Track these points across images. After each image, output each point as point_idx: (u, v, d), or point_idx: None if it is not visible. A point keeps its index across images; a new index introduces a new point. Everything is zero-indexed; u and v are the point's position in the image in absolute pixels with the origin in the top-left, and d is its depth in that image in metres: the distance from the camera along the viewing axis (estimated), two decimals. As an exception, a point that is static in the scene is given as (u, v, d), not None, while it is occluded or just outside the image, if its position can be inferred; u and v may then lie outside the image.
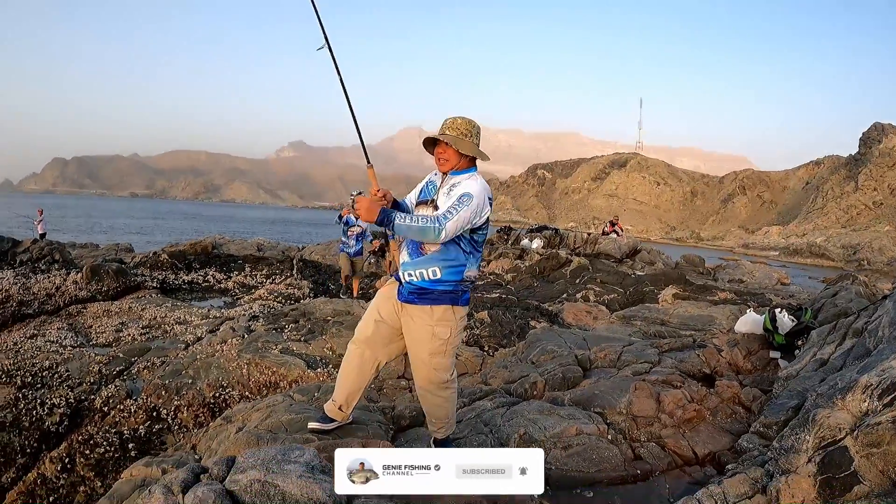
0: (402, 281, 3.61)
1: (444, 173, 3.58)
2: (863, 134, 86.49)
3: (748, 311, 7.96)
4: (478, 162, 3.64)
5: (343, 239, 12.50)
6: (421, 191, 3.73)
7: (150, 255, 18.33)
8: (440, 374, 3.66)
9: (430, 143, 3.59)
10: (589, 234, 26.80)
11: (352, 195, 3.71)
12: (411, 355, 3.73)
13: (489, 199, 3.49)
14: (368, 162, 3.76)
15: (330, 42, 3.79)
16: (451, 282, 3.52)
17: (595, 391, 5.20)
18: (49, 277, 13.24)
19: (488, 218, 3.54)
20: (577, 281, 17.26)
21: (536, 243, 23.74)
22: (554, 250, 22.17)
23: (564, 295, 14.83)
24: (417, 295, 3.54)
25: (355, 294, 10.89)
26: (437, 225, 3.23)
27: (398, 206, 3.68)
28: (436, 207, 3.52)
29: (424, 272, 3.50)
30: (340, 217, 12.33)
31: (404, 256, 3.62)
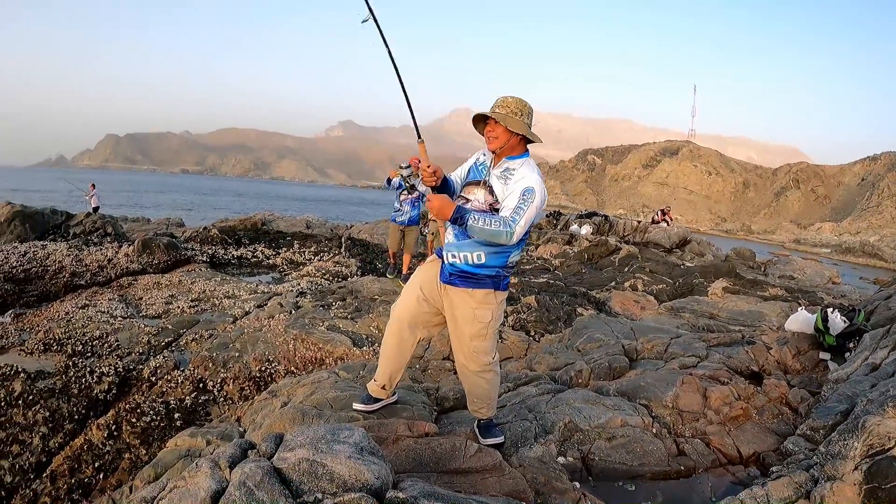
0: (445, 261, 3.59)
1: (494, 152, 3.52)
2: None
3: (799, 308, 7.77)
4: (529, 147, 3.57)
5: (396, 205, 10.57)
6: (470, 170, 3.67)
7: (201, 230, 18.63)
8: (481, 356, 3.65)
9: (480, 121, 3.53)
10: (639, 223, 26.51)
11: (400, 167, 3.71)
12: (452, 337, 3.72)
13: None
14: (419, 137, 3.68)
15: (375, 13, 3.74)
16: (495, 266, 3.49)
17: (641, 382, 5.14)
18: (101, 250, 13.53)
19: None
20: (626, 269, 17.07)
21: (585, 229, 23.56)
22: (603, 237, 21.98)
23: (612, 283, 14.67)
24: (459, 277, 3.53)
25: (405, 271, 10.59)
26: (508, 229, 3.19)
27: (447, 183, 3.60)
28: (490, 192, 3.47)
29: (469, 255, 3.47)
30: (389, 180, 10.06)
31: (449, 237, 3.60)
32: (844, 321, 6.14)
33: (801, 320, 6.62)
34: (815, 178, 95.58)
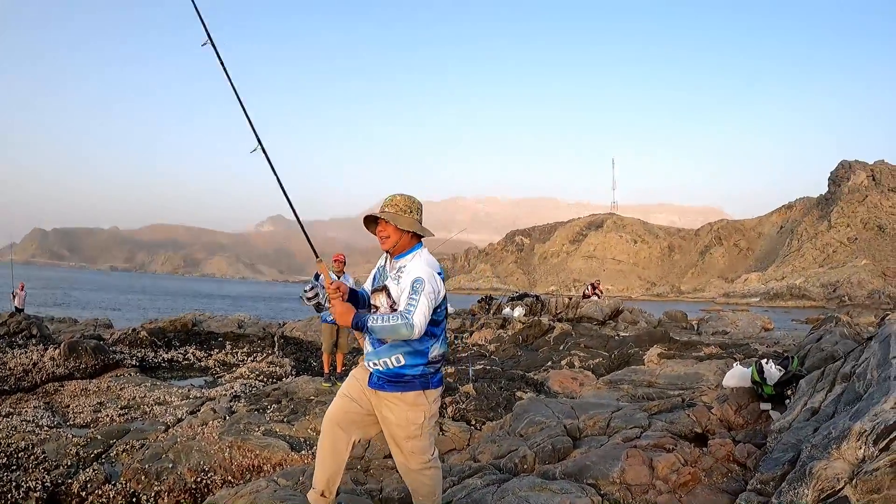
0: (371, 369, 3.62)
1: (388, 252, 3.61)
2: (831, 173, 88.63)
3: (734, 364, 7.96)
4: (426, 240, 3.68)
5: (327, 304, 10.41)
6: (374, 277, 3.77)
7: (130, 331, 18.13)
8: (419, 456, 3.63)
9: (372, 222, 3.64)
10: (570, 299, 26.90)
11: (304, 290, 3.75)
12: (389, 441, 3.71)
13: (439, 273, 3.52)
14: (317, 257, 3.81)
15: (263, 145, 3.94)
16: (418, 365, 3.52)
17: (586, 461, 5.14)
18: (26, 353, 13.11)
19: (444, 294, 3.55)
20: (562, 347, 17.22)
21: (518, 311, 23.78)
22: (536, 318, 22.17)
23: (549, 362, 14.75)
24: (388, 381, 3.55)
25: (339, 369, 10.53)
26: (406, 321, 3.25)
27: (355, 295, 3.71)
28: (388, 294, 3.55)
29: (388, 360, 3.51)
30: (317, 277, 9.62)
31: (367, 346, 3.64)
32: (780, 370, 6.29)
33: (738, 375, 6.78)
34: (735, 232, 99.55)
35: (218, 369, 14.21)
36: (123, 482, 6.71)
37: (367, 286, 3.80)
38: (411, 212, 3.56)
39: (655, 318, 24.95)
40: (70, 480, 6.77)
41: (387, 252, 3.63)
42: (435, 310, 3.47)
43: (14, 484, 6.51)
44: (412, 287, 3.36)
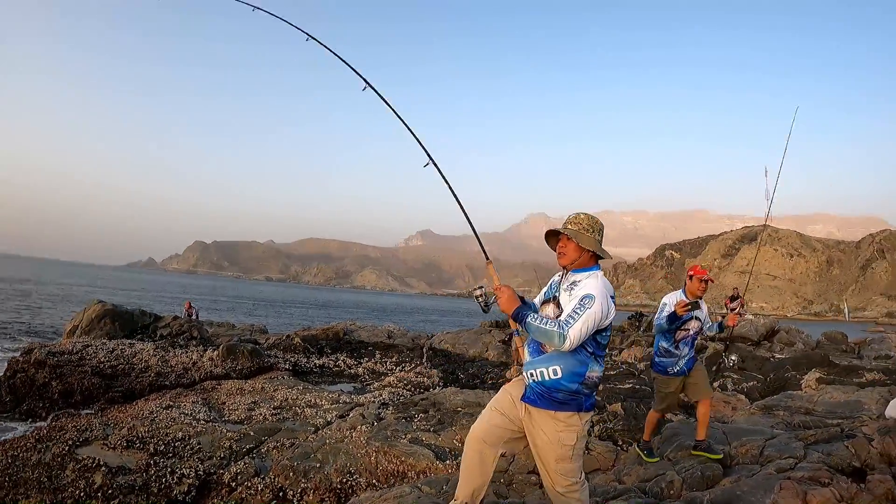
0: (527, 381, 3.55)
1: (564, 267, 3.54)
2: None
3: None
4: (602, 262, 3.58)
5: (665, 346, 6.96)
6: (545, 292, 3.71)
7: (284, 337, 18.93)
8: (567, 478, 3.51)
9: (553, 237, 3.60)
10: (723, 317, 25.60)
11: (474, 290, 3.68)
12: (537, 459, 3.60)
13: (612, 297, 3.40)
14: (487, 258, 3.84)
15: (434, 158, 4.22)
16: (574, 383, 3.41)
17: (737, 491, 4.86)
18: (187, 352, 13.93)
19: (612, 319, 3.43)
20: (714, 368, 16.44)
21: (670, 330, 22.93)
22: (687, 336, 21.30)
23: (701, 384, 14.11)
24: (542, 397, 3.45)
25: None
26: (561, 331, 3.18)
27: (523, 300, 3.64)
28: (557, 305, 3.48)
29: (545, 371, 3.42)
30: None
31: (526, 355, 3.58)
32: None
33: None
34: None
35: (367, 377, 14.54)
36: (272, 477, 6.95)
37: (538, 299, 3.73)
38: (593, 231, 3.50)
39: (813, 340, 23.39)
40: (222, 471, 7.11)
41: (563, 268, 3.57)
42: (600, 331, 3.38)
43: (169, 469, 6.92)
44: (580, 301, 3.28)
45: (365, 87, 4.81)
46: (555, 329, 3.19)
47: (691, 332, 6.45)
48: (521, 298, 3.65)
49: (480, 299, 3.65)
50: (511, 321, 3.51)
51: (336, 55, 5.14)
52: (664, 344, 6.43)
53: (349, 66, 5.01)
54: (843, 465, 5.51)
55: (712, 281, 6.53)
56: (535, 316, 3.29)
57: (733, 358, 21.80)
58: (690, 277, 6.32)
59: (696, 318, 6.37)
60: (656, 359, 6.56)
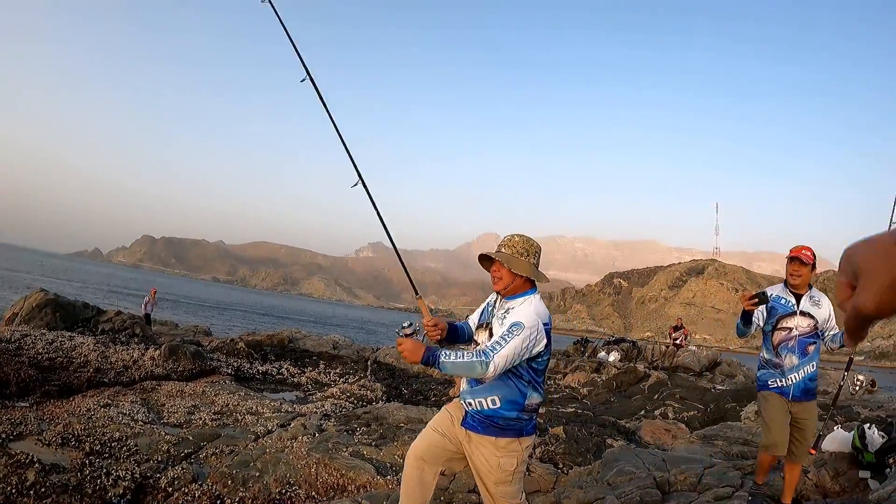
0: (465, 409, 3.54)
1: (498, 293, 3.50)
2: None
3: (835, 427, 7.50)
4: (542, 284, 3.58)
5: None
6: (481, 312, 3.68)
7: (228, 341, 18.68)
8: (507, 500, 3.53)
9: (487, 261, 3.53)
10: (667, 347, 26.16)
11: (402, 326, 3.58)
12: (477, 481, 3.61)
13: (545, 325, 3.37)
14: (416, 293, 3.80)
15: (363, 178, 4.03)
16: (513, 411, 3.40)
17: (675, 518, 4.91)
18: (128, 350, 13.63)
19: (547, 344, 3.40)
20: (656, 396, 16.74)
21: (613, 356, 23.37)
22: (631, 364, 21.74)
23: (642, 411, 14.36)
24: (482, 423, 3.44)
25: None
26: (483, 359, 3.13)
27: (455, 330, 3.65)
28: (490, 333, 3.44)
29: (483, 401, 3.41)
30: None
31: (463, 384, 3.56)
32: (882, 436, 5.97)
33: (839, 439, 6.45)
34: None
35: (310, 387, 14.40)
36: (210, 483, 6.85)
37: (473, 319, 3.73)
38: (528, 255, 3.43)
39: (754, 374, 23.95)
40: (158, 475, 6.95)
41: (497, 293, 3.54)
42: (533, 358, 3.35)
43: (105, 471, 6.74)
44: (509, 328, 3.24)
45: (304, 79, 4.24)
46: (474, 359, 3.13)
47: (795, 334, 4.90)
48: (452, 326, 3.66)
49: (410, 337, 3.61)
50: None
51: (284, 28, 4.47)
52: (764, 353, 5.18)
53: (294, 46, 4.33)
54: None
55: (812, 261, 5.00)
56: (448, 353, 3.19)
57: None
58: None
59: (806, 315, 4.86)
60: (757, 372, 5.32)
